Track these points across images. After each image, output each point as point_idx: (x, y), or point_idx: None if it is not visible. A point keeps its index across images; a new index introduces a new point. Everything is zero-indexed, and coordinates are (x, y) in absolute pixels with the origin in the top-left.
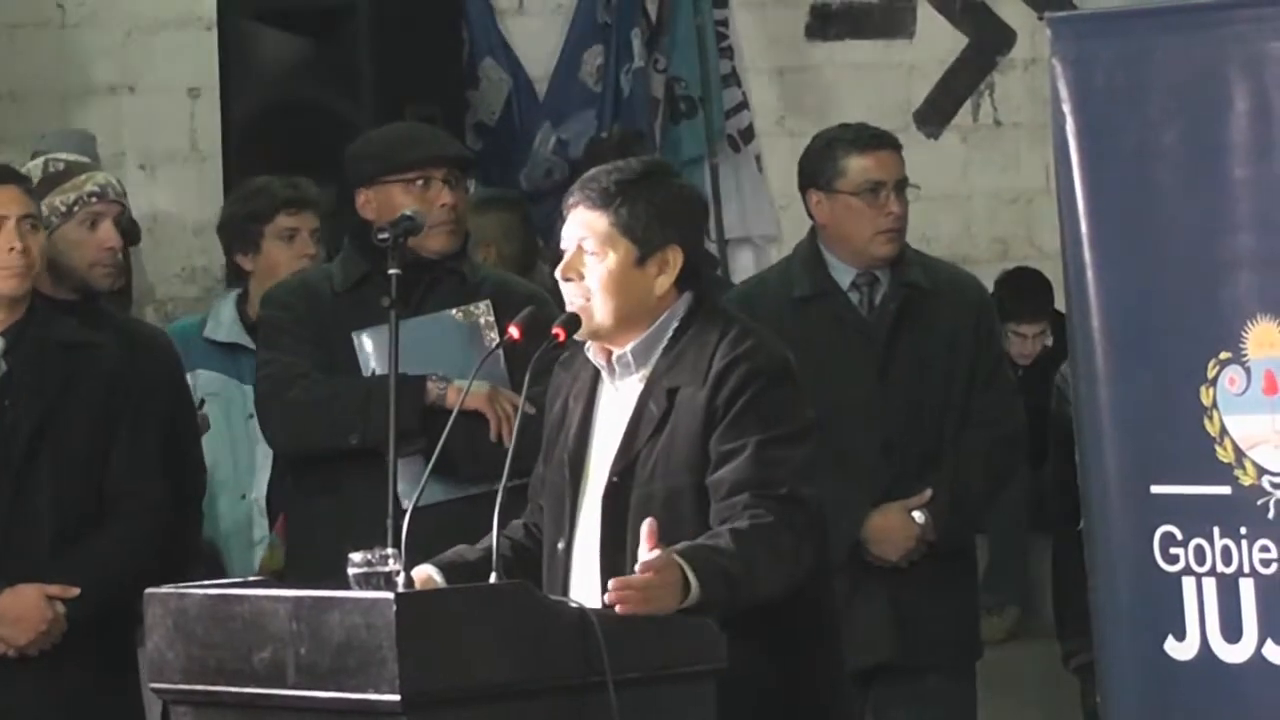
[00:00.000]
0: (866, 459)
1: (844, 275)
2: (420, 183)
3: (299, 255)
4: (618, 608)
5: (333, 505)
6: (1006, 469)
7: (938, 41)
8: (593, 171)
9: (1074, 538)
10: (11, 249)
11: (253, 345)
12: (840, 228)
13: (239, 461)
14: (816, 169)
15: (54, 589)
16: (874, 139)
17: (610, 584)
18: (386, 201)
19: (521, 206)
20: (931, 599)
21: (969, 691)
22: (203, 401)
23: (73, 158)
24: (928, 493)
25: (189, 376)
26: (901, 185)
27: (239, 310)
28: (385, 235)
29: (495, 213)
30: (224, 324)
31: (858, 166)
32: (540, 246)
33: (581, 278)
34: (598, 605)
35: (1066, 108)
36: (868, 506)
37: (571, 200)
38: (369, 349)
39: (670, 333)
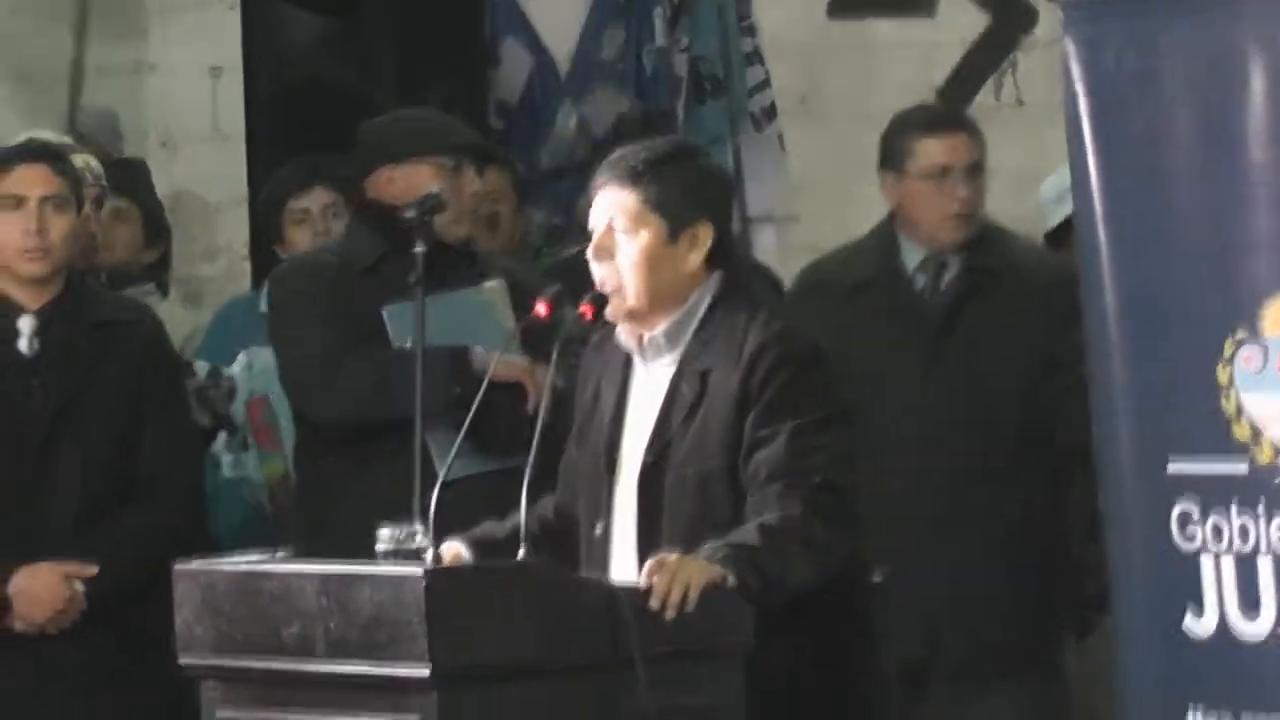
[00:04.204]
0: (904, 452)
1: (913, 257)
2: (454, 167)
3: (314, 235)
4: (668, 613)
5: (358, 479)
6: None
7: (959, 20)
8: (620, 151)
9: None
10: (26, 231)
11: None
12: (909, 211)
13: None
14: (889, 150)
15: (71, 567)
16: (944, 121)
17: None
18: (414, 181)
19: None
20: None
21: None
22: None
23: (55, 138)
24: None
25: (243, 354)
26: (974, 168)
27: None
28: (412, 213)
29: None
30: None
31: (926, 149)
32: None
33: (612, 257)
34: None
35: (1080, 88)
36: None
37: (600, 180)
38: (396, 325)
39: (702, 313)
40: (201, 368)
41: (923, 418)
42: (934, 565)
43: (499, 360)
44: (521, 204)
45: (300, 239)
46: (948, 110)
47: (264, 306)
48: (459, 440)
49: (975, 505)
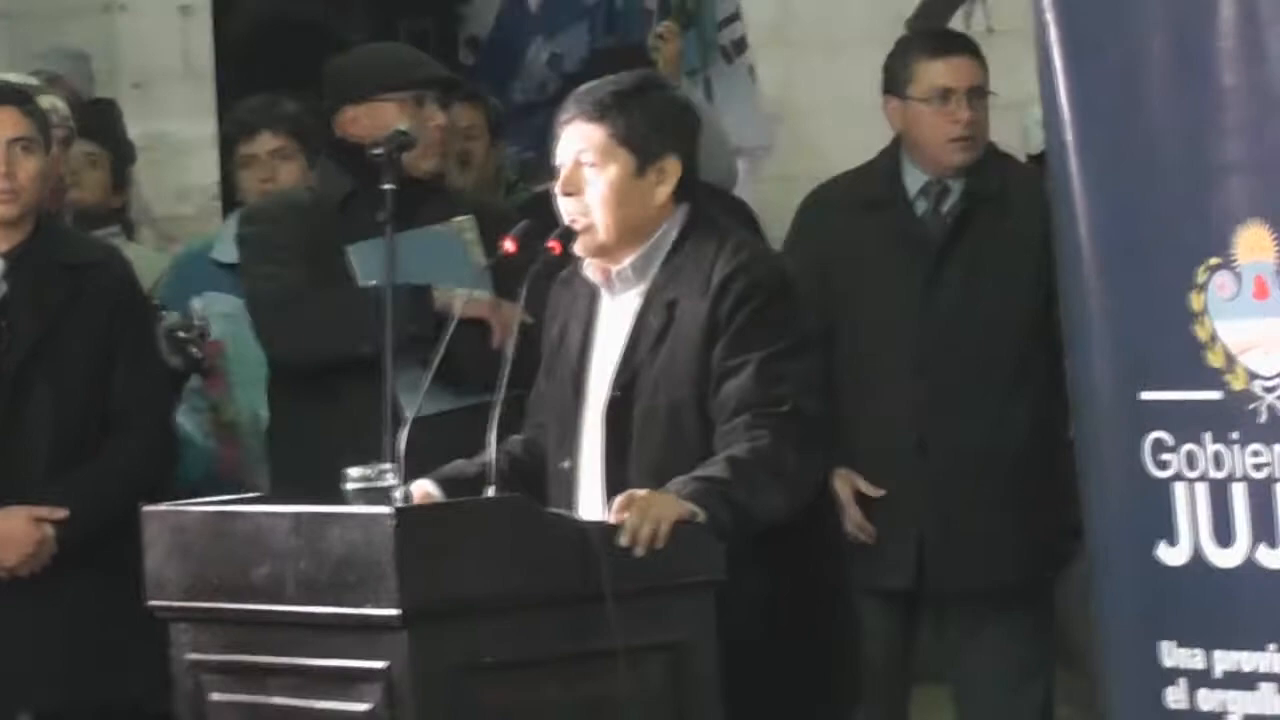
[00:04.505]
0: (899, 376)
1: (915, 181)
2: (415, 102)
3: (260, 180)
4: (637, 550)
5: (328, 417)
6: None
7: None
8: (586, 85)
9: None
10: None
11: None
12: (913, 135)
13: (259, 379)
14: (893, 75)
15: (42, 510)
16: (946, 44)
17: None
18: (378, 118)
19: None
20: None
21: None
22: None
23: (22, 80)
24: None
25: (196, 300)
26: (976, 92)
27: None
28: (380, 151)
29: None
30: (230, 245)
31: (928, 72)
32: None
33: (581, 192)
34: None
35: (1049, 16)
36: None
37: (566, 115)
38: (362, 263)
39: (669, 245)
40: (171, 314)
41: (921, 343)
42: (927, 492)
43: (463, 297)
44: (495, 140)
45: (249, 184)
46: (950, 34)
47: (216, 251)
48: (427, 378)
49: (970, 432)
